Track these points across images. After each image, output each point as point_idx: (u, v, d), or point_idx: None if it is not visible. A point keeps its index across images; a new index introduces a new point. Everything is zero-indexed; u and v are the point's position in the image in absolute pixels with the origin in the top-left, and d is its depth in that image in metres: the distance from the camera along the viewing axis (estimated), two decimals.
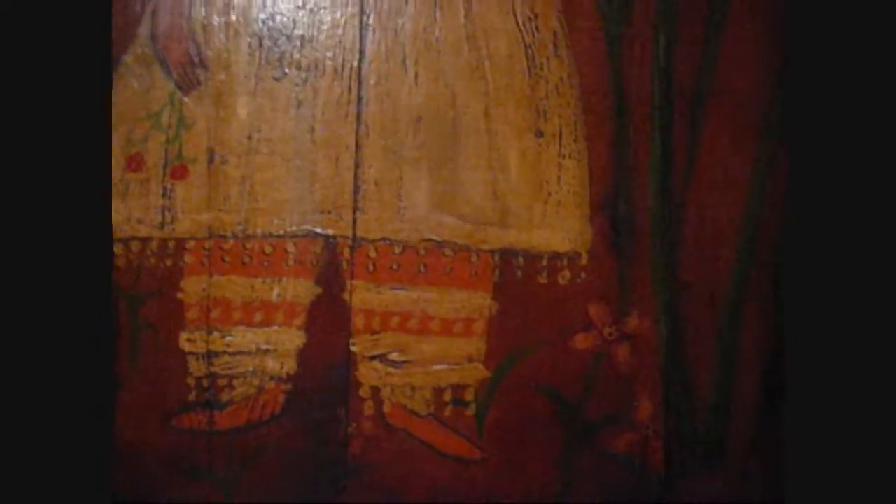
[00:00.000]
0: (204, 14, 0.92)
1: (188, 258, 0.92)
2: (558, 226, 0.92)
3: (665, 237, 0.93)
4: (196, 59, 0.92)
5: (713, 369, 0.93)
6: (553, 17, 0.93)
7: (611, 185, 0.93)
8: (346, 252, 0.92)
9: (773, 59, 0.94)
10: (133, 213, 0.91)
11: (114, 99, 0.90)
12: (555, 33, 0.93)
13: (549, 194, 0.92)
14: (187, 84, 0.92)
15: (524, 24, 0.93)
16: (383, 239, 0.92)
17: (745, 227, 0.94)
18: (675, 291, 0.93)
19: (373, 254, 0.92)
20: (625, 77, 0.93)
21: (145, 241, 0.91)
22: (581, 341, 0.92)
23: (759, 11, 0.94)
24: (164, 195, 0.92)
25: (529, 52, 0.93)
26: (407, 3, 0.92)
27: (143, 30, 0.91)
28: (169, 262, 0.92)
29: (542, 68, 0.92)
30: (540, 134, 0.92)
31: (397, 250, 0.92)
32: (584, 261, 0.92)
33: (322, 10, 0.92)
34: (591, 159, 0.93)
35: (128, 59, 0.92)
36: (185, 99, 0.92)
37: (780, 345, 0.93)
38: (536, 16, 0.93)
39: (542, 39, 0.93)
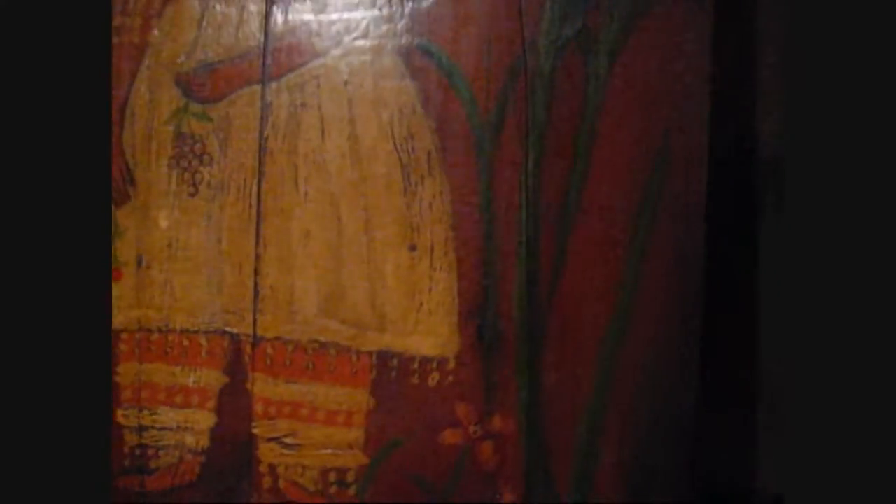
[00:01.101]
0: (132, 138, 1.07)
1: (122, 347, 1.08)
2: (429, 332, 1.01)
3: (528, 345, 0.99)
4: (127, 177, 1.07)
5: (574, 473, 1.00)
6: (428, 137, 1.00)
7: (479, 296, 1.00)
8: (248, 348, 1.05)
9: (643, 174, 0.97)
10: None
11: None
12: (429, 153, 1.00)
13: (422, 304, 1.01)
14: (120, 198, 1.08)
15: (401, 145, 1.01)
16: (278, 338, 1.04)
17: (608, 341, 0.98)
18: (537, 396, 0.99)
19: (270, 351, 1.04)
20: (494, 194, 0.99)
21: None
22: (449, 437, 1.01)
23: (629, 128, 0.97)
24: None
25: (406, 171, 1.01)
26: (300, 127, 1.03)
27: None
28: None
29: (416, 186, 1.00)
30: (413, 248, 1.01)
31: (290, 348, 1.04)
32: (452, 365, 1.01)
33: (230, 135, 1.04)
34: (461, 272, 1.00)
35: None
36: (118, 211, 1.07)
37: (647, 458, 0.98)
38: (413, 136, 1.01)
39: (417, 159, 1.01)
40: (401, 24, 1.00)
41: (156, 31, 1.07)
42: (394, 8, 1.01)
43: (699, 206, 0.97)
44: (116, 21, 1.08)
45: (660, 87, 0.97)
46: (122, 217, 1.07)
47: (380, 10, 1.01)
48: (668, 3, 0.98)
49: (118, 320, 1.08)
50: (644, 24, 0.98)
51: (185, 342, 1.07)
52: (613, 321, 0.98)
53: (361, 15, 1.01)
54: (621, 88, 0.98)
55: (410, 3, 1.00)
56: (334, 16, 1.02)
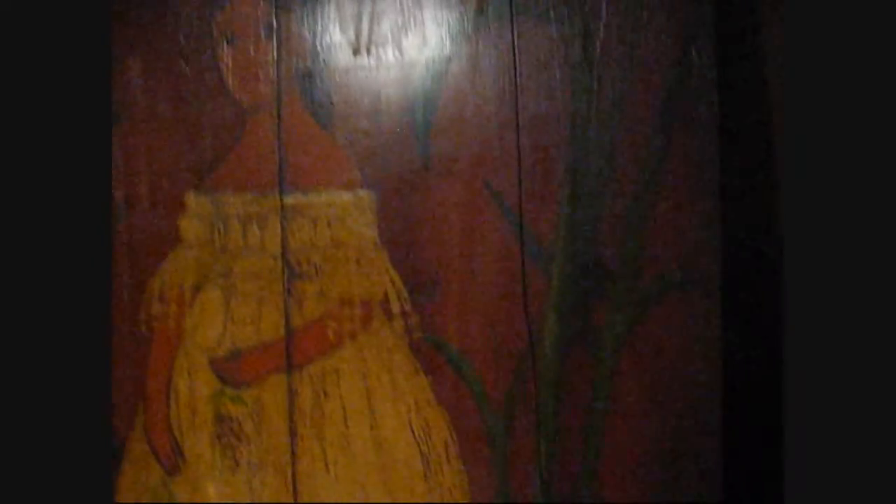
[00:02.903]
0: (177, 415, 1.16)
1: None
2: None
3: None
4: (177, 450, 1.17)
5: None
6: (444, 428, 1.04)
7: None
8: None
9: (656, 473, 0.98)
10: None
11: (120, 482, 1.18)
12: (446, 443, 1.04)
13: None
14: (173, 469, 1.17)
15: (419, 435, 1.05)
16: None
17: None
18: None
19: None
20: (510, 484, 1.03)
21: None
22: None
23: (639, 426, 0.98)
24: None
25: (425, 459, 1.05)
26: (324, 415, 1.09)
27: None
28: None
29: (436, 474, 1.05)
30: None
31: None
32: None
33: (262, 418, 1.12)
34: None
35: (133, 445, 1.19)
36: (171, 480, 1.17)
37: None
38: (430, 427, 1.05)
39: (435, 448, 1.05)
40: (412, 321, 1.04)
41: (189, 319, 1.14)
42: (404, 306, 1.04)
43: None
44: (154, 308, 1.16)
45: (670, 383, 0.97)
46: (176, 487, 1.17)
47: (390, 303, 1.05)
48: (673, 297, 0.97)
49: None
50: (650, 319, 0.97)
51: None
52: None
53: (375, 312, 1.05)
54: (629, 385, 0.98)
55: (420, 298, 1.03)
56: (348, 311, 1.06)
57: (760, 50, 0.95)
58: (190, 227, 1.13)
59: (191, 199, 1.13)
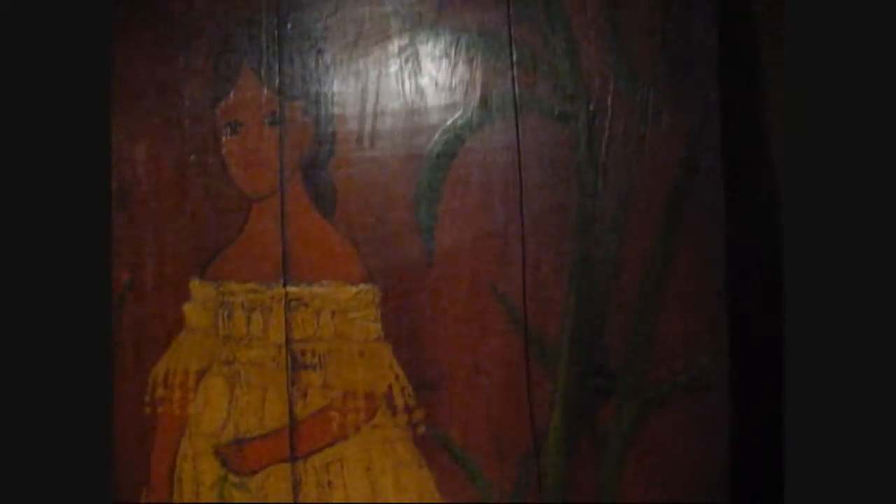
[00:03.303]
0: (181, 501, 1.16)
1: None
2: None
3: None
4: None
5: None
6: None
7: None
8: None
9: None
10: None
11: None
12: None
13: None
14: None
15: None
16: None
17: None
18: None
19: None
20: None
21: None
22: None
23: None
24: None
25: None
26: (331, 489, 1.08)
27: None
28: None
29: None
30: None
31: None
32: None
33: (263, 500, 1.11)
34: None
35: None
36: None
37: None
38: None
39: None
40: (416, 415, 1.03)
41: (193, 405, 1.14)
42: (408, 400, 1.04)
43: None
44: (158, 393, 1.16)
45: (676, 483, 0.96)
46: None
47: (394, 397, 1.04)
48: (679, 397, 0.96)
49: None
50: (656, 419, 0.96)
51: None
52: None
53: (379, 404, 1.05)
54: (635, 485, 0.97)
55: (424, 393, 1.03)
56: (352, 403, 1.06)
57: (767, 149, 0.94)
58: (194, 313, 1.13)
59: (195, 285, 1.13)
